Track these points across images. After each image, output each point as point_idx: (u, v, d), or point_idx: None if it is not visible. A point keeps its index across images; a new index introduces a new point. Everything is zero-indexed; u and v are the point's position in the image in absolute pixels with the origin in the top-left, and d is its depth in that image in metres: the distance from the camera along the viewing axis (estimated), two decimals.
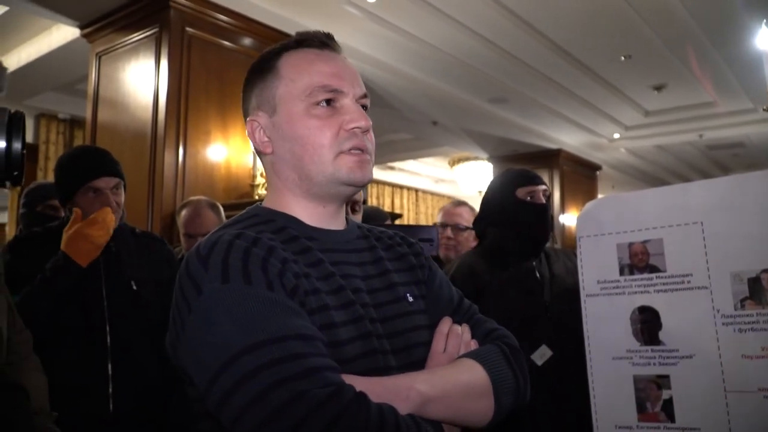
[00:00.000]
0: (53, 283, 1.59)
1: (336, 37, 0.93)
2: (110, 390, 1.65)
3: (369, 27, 4.85)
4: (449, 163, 10.47)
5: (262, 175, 4.13)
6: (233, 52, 4.31)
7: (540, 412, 1.48)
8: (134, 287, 1.77)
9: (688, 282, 1.08)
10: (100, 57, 4.53)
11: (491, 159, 9.04)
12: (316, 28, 0.97)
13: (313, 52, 0.89)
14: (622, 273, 1.15)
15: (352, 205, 1.53)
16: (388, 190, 11.40)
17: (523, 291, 1.75)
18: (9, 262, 1.62)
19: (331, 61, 0.89)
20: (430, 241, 1.75)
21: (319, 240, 0.88)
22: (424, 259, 1.01)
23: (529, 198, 1.82)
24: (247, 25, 4.40)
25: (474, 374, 0.83)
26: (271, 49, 0.92)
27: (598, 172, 9.70)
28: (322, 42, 0.90)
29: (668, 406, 1.06)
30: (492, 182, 1.98)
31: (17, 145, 0.96)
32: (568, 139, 8.37)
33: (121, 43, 4.35)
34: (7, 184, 0.98)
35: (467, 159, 9.88)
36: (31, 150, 6.55)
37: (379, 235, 1.00)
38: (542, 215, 1.82)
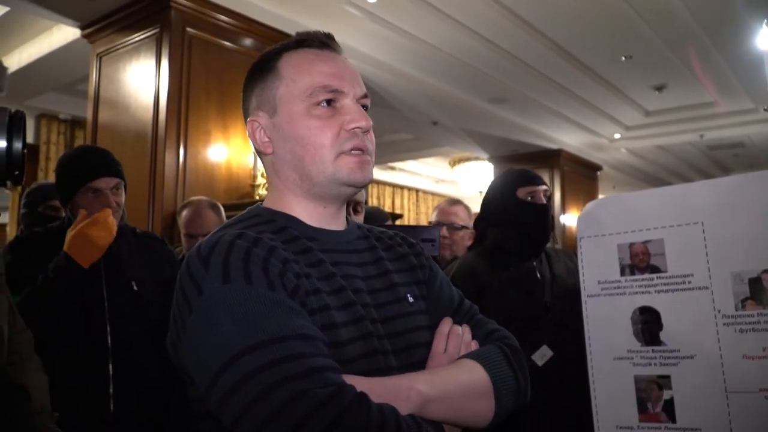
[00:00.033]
0: (55, 284, 1.60)
1: (336, 38, 0.93)
2: (111, 390, 1.65)
3: (369, 27, 4.85)
4: (450, 164, 10.47)
5: (262, 175, 4.13)
6: (234, 53, 4.32)
7: (540, 412, 1.48)
8: (135, 287, 1.77)
9: (689, 282, 1.08)
10: (100, 57, 4.53)
11: (492, 159, 9.04)
12: (317, 28, 0.96)
13: (313, 52, 0.89)
14: (623, 273, 1.15)
15: (354, 206, 1.53)
16: (388, 190, 11.40)
17: (523, 291, 1.75)
18: (10, 263, 1.62)
19: (332, 62, 0.89)
20: (432, 242, 1.75)
21: (320, 240, 0.88)
22: (425, 259, 1.01)
23: (529, 198, 1.82)
24: (248, 25, 4.40)
25: (475, 375, 0.83)
26: (272, 50, 0.92)
27: (598, 173, 9.70)
28: (323, 42, 0.90)
29: (669, 407, 1.06)
30: (493, 182, 1.97)
31: (18, 145, 0.96)
32: (569, 140, 8.37)
33: (122, 43, 4.35)
34: (8, 183, 0.98)
35: (468, 159, 9.88)
36: (32, 150, 6.55)
37: (380, 236, 1.00)
38: (543, 215, 1.82)
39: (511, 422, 0.87)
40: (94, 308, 1.69)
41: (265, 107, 0.90)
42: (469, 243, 2.44)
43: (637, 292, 1.13)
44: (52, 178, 4.15)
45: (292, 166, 0.88)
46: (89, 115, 4.59)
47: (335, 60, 0.89)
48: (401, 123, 7.45)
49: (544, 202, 1.83)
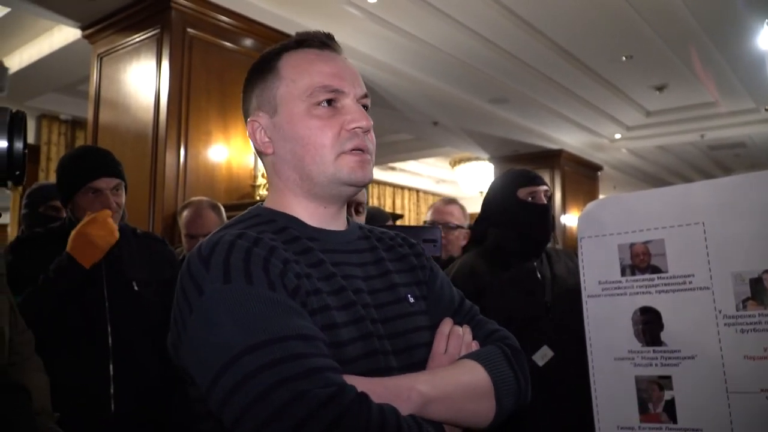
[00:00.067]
0: (56, 284, 1.60)
1: (336, 38, 0.93)
2: (112, 390, 1.65)
3: (369, 27, 4.85)
4: (450, 164, 10.47)
5: (263, 175, 4.14)
6: (234, 53, 4.32)
7: (541, 412, 1.48)
8: (135, 288, 1.77)
9: (690, 283, 1.08)
10: (101, 58, 4.54)
11: (492, 159, 9.03)
12: (317, 28, 0.96)
13: (313, 52, 0.89)
14: (623, 273, 1.15)
15: (355, 206, 1.53)
16: (389, 190, 11.40)
17: (524, 291, 1.75)
18: (11, 263, 1.62)
19: (332, 62, 0.89)
20: (434, 242, 1.74)
21: (321, 240, 0.88)
22: (425, 259, 1.01)
23: (530, 198, 1.82)
24: (248, 25, 4.40)
25: (475, 375, 0.83)
26: (272, 50, 0.92)
27: (599, 173, 9.69)
28: (323, 42, 0.90)
29: (670, 407, 1.06)
30: (493, 183, 1.97)
31: (19, 145, 0.96)
32: (570, 140, 8.37)
33: (123, 44, 4.36)
34: (9, 184, 0.98)
35: (468, 159, 9.88)
36: (33, 151, 6.56)
37: (380, 236, 1.00)
38: (543, 216, 1.82)
39: (511, 423, 0.87)
40: (95, 309, 1.69)
41: (266, 107, 0.90)
42: (464, 243, 2.43)
43: (637, 293, 1.13)
44: (52, 178, 4.14)
45: (292, 166, 0.88)
46: (90, 115, 4.59)
47: (335, 60, 0.89)
48: (402, 123, 7.45)
49: (545, 202, 1.83)
